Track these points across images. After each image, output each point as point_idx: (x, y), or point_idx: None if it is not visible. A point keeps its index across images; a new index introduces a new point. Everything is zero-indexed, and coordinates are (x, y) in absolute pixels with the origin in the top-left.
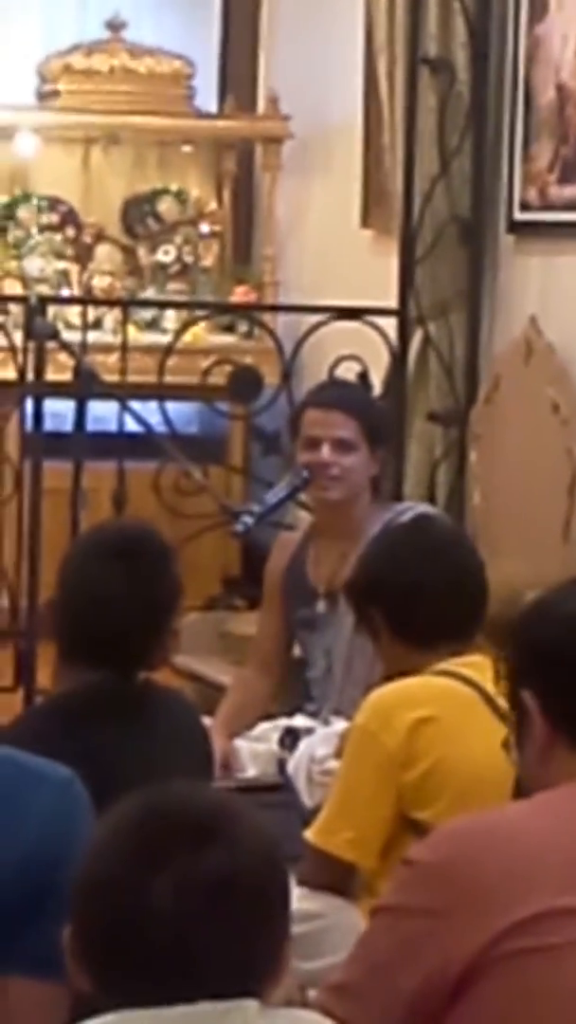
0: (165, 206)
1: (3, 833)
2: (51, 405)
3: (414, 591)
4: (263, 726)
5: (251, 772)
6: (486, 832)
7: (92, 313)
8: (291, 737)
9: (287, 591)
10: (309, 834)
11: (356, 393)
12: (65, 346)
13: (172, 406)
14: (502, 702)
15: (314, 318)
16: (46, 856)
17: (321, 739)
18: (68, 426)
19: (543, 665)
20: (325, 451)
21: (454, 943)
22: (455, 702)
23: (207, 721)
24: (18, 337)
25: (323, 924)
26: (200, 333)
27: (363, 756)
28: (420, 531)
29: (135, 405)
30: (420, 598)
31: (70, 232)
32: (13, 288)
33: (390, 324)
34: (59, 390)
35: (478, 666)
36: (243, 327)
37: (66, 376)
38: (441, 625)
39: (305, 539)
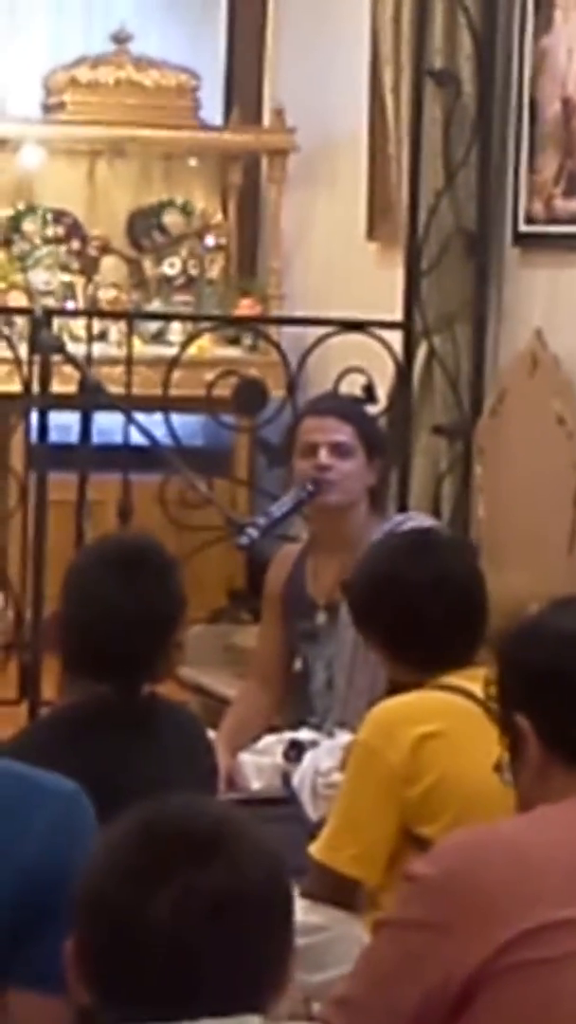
0: (170, 218)
1: (6, 846)
2: (56, 417)
3: (416, 622)
4: (267, 739)
5: (256, 785)
6: (486, 846)
7: (97, 325)
8: (296, 750)
9: (287, 604)
10: (313, 850)
11: (351, 403)
12: (70, 358)
13: (177, 418)
14: None
15: (319, 330)
16: (51, 869)
17: (326, 752)
18: (73, 438)
19: (535, 687)
20: (323, 455)
21: (456, 956)
22: (458, 717)
23: (212, 734)
24: (23, 349)
25: (327, 937)
26: (205, 345)
27: (366, 772)
28: (424, 554)
29: (140, 417)
30: (422, 629)
31: (75, 244)
32: (18, 300)
33: (395, 337)
34: (64, 402)
35: (482, 680)
36: (248, 340)
37: (71, 388)
38: (442, 652)
39: (304, 552)
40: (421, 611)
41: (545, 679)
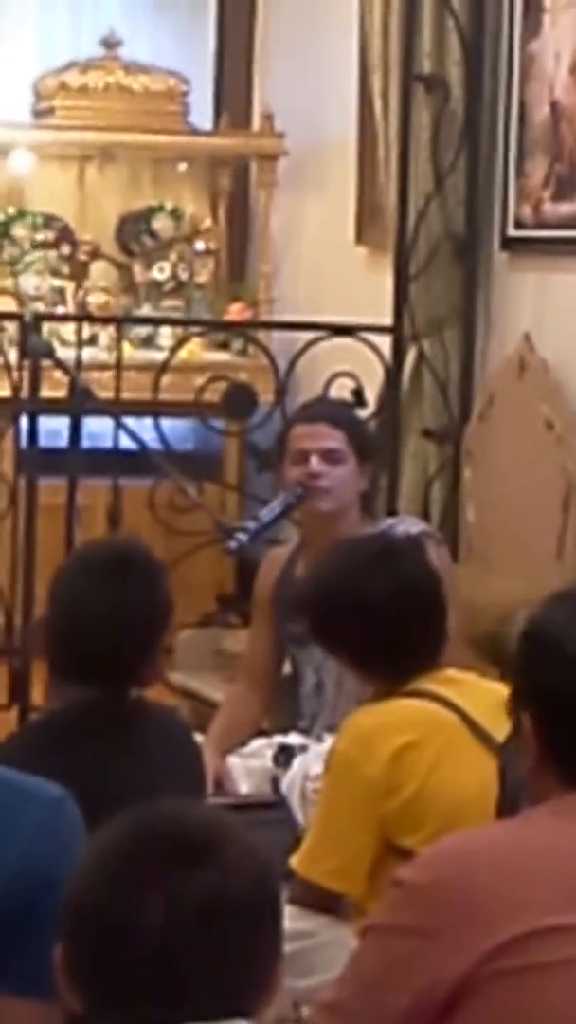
0: (160, 223)
1: None
2: (46, 422)
3: (378, 633)
4: (257, 743)
5: (244, 789)
6: (474, 851)
7: (87, 330)
8: (285, 754)
9: (277, 607)
10: (294, 861)
11: (342, 408)
12: (60, 363)
13: (167, 423)
14: (484, 724)
15: (309, 335)
16: (36, 875)
17: (315, 756)
18: (63, 443)
19: (543, 699)
20: (314, 462)
21: (443, 962)
22: (436, 726)
23: (200, 738)
24: (13, 354)
25: (315, 942)
26: (195, 350)
27: (344, 784)
28: (380, 564)
29: (130, 422)
30: (384, 639)
31: (65, 249)
32: (8, 305)
33: (384, 341)
34: (54, 407)
35: (456, 684)
36: (238, 344)
37: (61, 393)
38: (407, 659)
39: (294, 554)
40: (383, 621)
41: (556, 696)
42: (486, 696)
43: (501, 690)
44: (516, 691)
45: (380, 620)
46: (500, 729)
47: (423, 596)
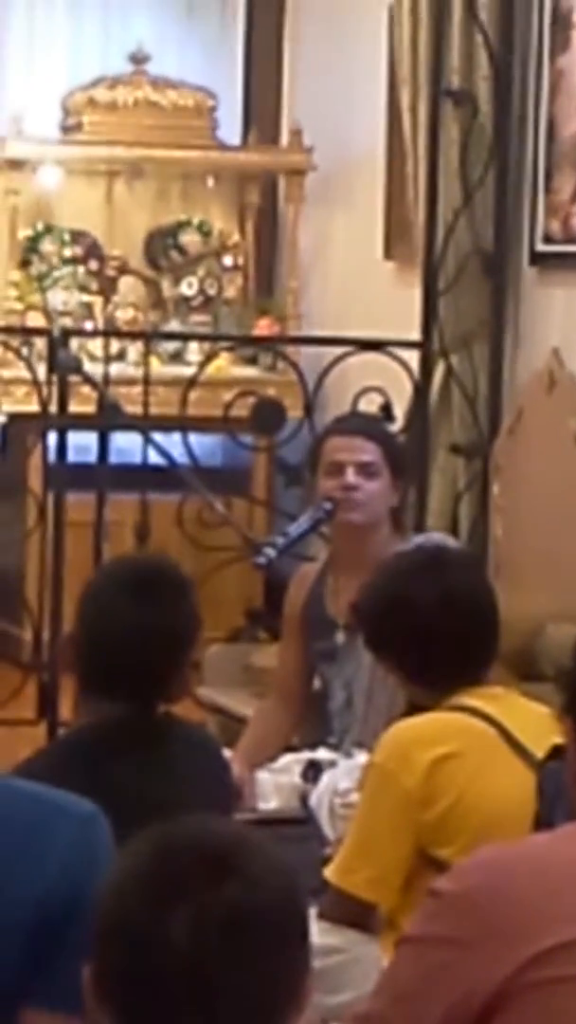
0: (188, 238)
1: (25, 867)
2: (74, 437)
3: (426, 643)
4: (286, 758)
5: (273, 804)
6: (510, 862)
7: (115, 345)
8: (314, 770)
9: (306, 623)
10: (328, 873)
11: (376, 422)
12: (88, 379)
13: (195, 438)
14: (524, 740)
15: (337, 350)
16: (67, 891)
17: (344, 772)
18: (91, 458)
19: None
20: (350, 474)
21: (478, 973)
22: (474, 739)
23: (228, 753)
24: (41, 370)
25: (344, 958)
26: (223, 365)
27: (381, 795)
28: (432, 574)
29: (158, 437)
30: (432, 650)
31: (93, 265)
32: (37, 321)
33: (413, 356)
34: (82, 422)
35: (498, 700)
36: (266, 359)
37: (89, 408)
38: (454, 672)
39: (323, 571)
40: (431, 632)
41: None
42: (527, 713)
43: (542, 709)
44: (566, 697)
45: (423, 630)
46: (540, 746)
47: (469, 610)
